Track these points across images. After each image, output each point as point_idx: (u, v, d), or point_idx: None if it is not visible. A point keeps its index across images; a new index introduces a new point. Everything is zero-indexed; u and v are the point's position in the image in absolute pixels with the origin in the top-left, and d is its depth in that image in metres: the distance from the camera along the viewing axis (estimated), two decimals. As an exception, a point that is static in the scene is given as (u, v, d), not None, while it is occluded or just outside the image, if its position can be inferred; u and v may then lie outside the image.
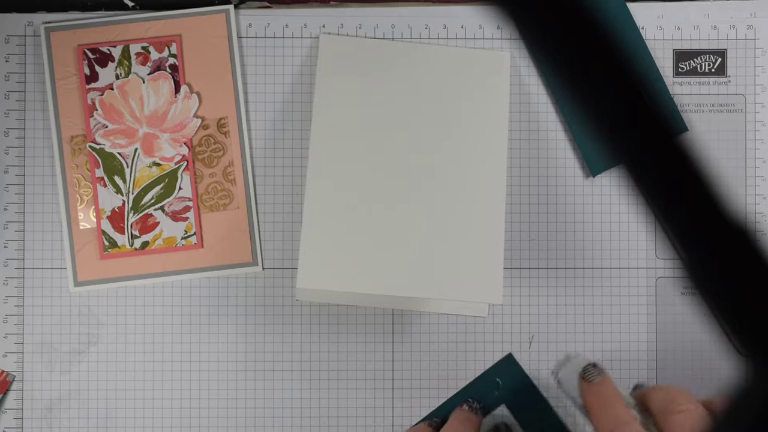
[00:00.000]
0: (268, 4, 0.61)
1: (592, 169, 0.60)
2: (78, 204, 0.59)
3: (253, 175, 0.60)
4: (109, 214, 0.59)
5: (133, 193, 0.59)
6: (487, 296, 0.55)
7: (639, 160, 0.23)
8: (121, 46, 0.59)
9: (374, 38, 0.60)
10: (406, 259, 0.55)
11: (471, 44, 0.61)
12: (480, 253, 0.55)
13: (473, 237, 0.55)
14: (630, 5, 0.60)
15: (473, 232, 0.56)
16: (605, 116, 0.23)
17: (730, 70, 0.61)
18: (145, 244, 0.59)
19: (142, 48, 0.60)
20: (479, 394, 0.59)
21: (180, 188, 0.59)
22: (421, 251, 0.55)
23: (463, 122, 0.57)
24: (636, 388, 0.52)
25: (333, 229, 0.55)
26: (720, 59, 0.61)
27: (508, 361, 0.59)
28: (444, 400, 0.60)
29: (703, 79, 0.61)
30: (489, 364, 0.60)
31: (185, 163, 0.59)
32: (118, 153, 0.59)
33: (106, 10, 0.60)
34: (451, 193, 0.56)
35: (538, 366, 0.60)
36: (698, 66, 0.61)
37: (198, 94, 0.60)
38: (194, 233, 0.59)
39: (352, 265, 0.55)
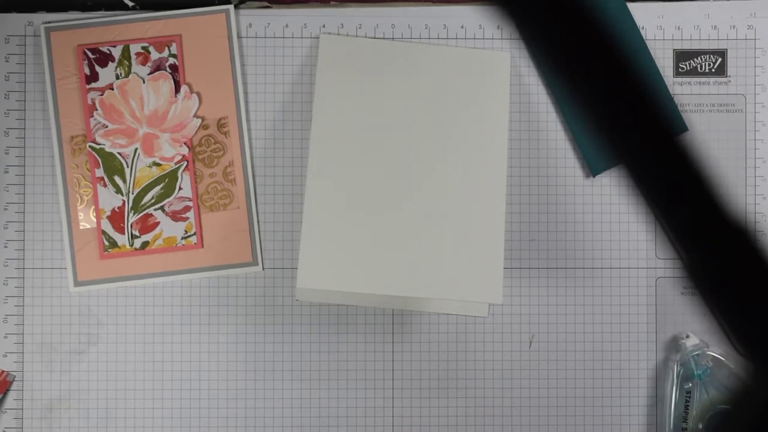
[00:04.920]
0: (268, 4, 0.61)
1: (592, 169, 0.60)
2: (78, 204, 0.59)
3: (253, 175, 0.60)
4: (109, 214, 0.59)
5: (133, 193, 0.59)
6: (487, 296, 0.55)
7: (639, 160, 0.23)
8: (121, 46, 0.59)
9: (374, 38, 0.60)
10: (406, 259, 0.55)
11: (471, 44, 0.61)
12: (480, 253, 0.55)
13: (473, 237, 0.55)
14: (630, 5, 0.60)
15: (473, 231, 0.56)
16: (606, 116, 0.23)
17: (730, 70, 0.61)
18: (145, 244, 0.59)
19: (142, 48, 0.60)
20: None
21: (180, 188, 0.59)
22: (422, 251, 0.55)
23: (463, 122, 0.57)
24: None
25: (333, 229, 0.55)
26: (720, 59, 0.61)
27: None
28: (444, 399, 0.59)
29: (703, 79, 0.61)
30: (489, 364, 0.60)
31: (185, 163, 0.59)
32: (118, 153, 0.59)
33: (106, 10, 0.60)
34: (452, 193, 0.56)
35: (538, 366, 0.60)
36: (698, 66, 0.61)
37: (198, 94, 0.60)
38: (194, 233, 0.59)
39: (352, 265, 0.55)
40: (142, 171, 0.59)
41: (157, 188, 0.59)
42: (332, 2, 0.61)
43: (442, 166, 0.56)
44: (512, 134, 0.60)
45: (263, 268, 0.60)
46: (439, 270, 0.55)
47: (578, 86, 0.23)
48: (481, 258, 0.55)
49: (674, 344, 0.59)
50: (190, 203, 0.59)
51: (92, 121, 0.59)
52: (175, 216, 0.59)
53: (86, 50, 0.59)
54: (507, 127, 0.57)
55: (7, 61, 0.60)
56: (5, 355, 0.59)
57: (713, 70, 0.61)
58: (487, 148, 0.57)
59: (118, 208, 0.59)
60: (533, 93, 0.60)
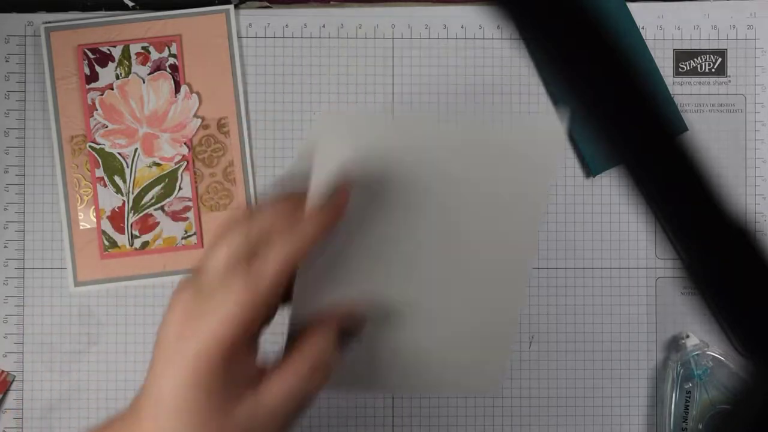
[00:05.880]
0: (268, 4, 0.61)
1: (592, 169, 0.60)
2: (78, 204, 0.59)
3: (254, 175, 0.60)
4: (109, 214, 0.59)
5: (133, 193, 0.59)
6: (483, 387, 0.48)
7: (639, 160, 0.23)
8: (121, 46, 0.59)
9: (383, 115, 0.50)
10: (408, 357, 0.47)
11: (471, 44, 0.61)
12: (489, 342, 0.47)
13: (485, 324, 0.47)
14: (630, 5, 0.60)
15: (487, 318, 0.47)
16: (605, 116, 0.23)
17: (730, 70, 0.61)
18: (145, 244, 0.59)
19: (142, 48, 0.60)
20: None
21: (180, 188, 0.59)
22: (429, 344, 0.47)
23: (497, 196, 0.44)
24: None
25: None
26: (720, 59, 0.61)
27: None
28: (444, 399, 0.59)
29: (703, 79, 0.61)
30: (489, 364, 0.60)
31: (185, 163, 0.59)
32: (118, 153, 0.59)
33: (106, 10, 0.60)
34: (471, 279, 0.46)
35: (537, 366, 0.60)
36: (698, 66, 0.61)
37: (198, 94, 0.60)
38: (194, 233, 0.59)
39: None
40: (142, 171, 0.59)
41: (157, 188, 0.59)
42: (332, 2, 0.61)
43: (464, 244, 0.45)
44: (512, 134, 0.60)
45: (263, 268, 0.60)
46: (440, 363, 0.48)
47: (578, 86, 0.23)
48: (487, 348, 0.47)
49: (674, 344, 0.59)
50: (190, 203, 0.59)
51: (92, 121, 0.59)
52: (175, 216, 0.59)
53: (86, 50, 0.59)
54: (545, 205, 0.48)
55: (7, 61, 0.60)
56: (5, 355, 0.59)
57: (713, 70, 0.61)
58: (519, 223, 0.45)
59: (118, 208, 0.59)
60: (533, 93, 0.60)
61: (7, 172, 0.60)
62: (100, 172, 0.59)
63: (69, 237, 0.59)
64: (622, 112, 0.23)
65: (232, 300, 0.38)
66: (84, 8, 0.60)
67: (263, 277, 0.39)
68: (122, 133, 0.59)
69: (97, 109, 0.59)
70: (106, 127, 0.59)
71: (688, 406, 0.58)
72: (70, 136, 0.59)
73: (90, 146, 0.59)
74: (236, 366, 0.39)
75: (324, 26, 0.60)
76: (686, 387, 0.58)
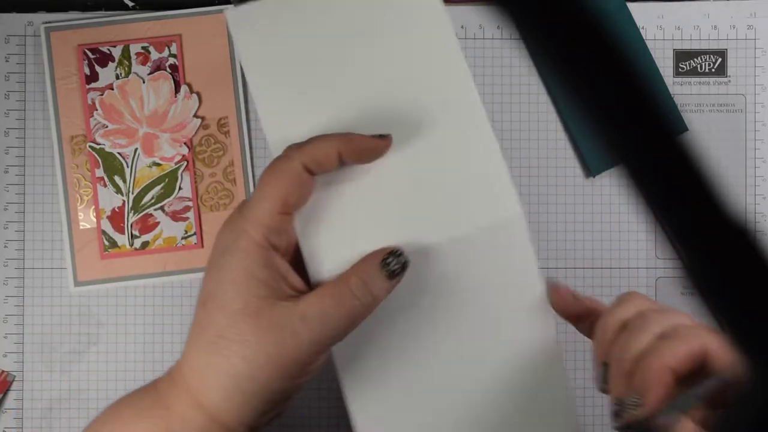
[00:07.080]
0: (268, 4, 0.61)
1: (592, 169, 0.60)
2: (78, 204, 0.59)
3: (254, 175, 0.60)
4: (109, 214, 0.59)
5: (133, 193, 0.59)
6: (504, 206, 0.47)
7: (639, 160, 0.23)
8: (121, 46, 0.59)
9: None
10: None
11: (471, 44, 0.61)
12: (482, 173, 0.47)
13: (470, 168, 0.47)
14: (630, 5, 0.60)
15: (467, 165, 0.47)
16: (605, 116, 0.23)
17: (730, 70, 0.61)
18: (145, 244, 0.59)
19: (142, 48, 0.60)
20: None
21: (180, 188, 0.59)
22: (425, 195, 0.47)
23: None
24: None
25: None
26: (720, 59, 0.61)
27: None
28: (444, 400, 0.59)
29: (703, 79, 0.61)
30: (489, 364, 0.59)
31: (185, 163, 0.59)
32: (118, 153, 0.59)
33: (106, 10, 0.60)
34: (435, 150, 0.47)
35: (538, 366, 0.60)
36: (698, 66, 0.61)
37: (198, 94, 0.60)
38: (194, 233, 0.59)
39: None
40: (142, 171, 0.59)
41: (157, 188, 0.59)
42: (332, 2, 0.61)
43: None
44: (512, 134, 0.60)
45: (263, 268, 0.60)
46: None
47: (578, 86, 0.23)
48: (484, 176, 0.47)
49: (674, 344, 0.59)
50: (190, 203, 0.59)
51: (92, 121, 0.59)
52: (175, 216, 0.59)
53: (86, 50, 0.59)
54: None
55: (7, 61, 0.60)
56: (5, 355, 0.59)
57: (713, 70, 0.61)
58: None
59: (118, 208, 0.59)
60: (533, 93, 0.60)
61: (7, 172, 0.60)
62: (100, 172, 0.59)
63: (69, 237, 0.59)
64: (622, 112, 0.23)
65: (265, 186, 0.44)
66: (84, 8, 0.60)
67: (290, 163, 0.43)
68: (122, 133, 0.59)
69: (97, 109, 0.59)
70: (106, 127, 0.59)
71: (688, 406, 0.58)
72: (70, 136, 0.59)
73: (90, 146, 0.59)
74: (276, 261, 0.42)
75: (324, 26, 0.60)
76: (686, 387, 0.58)
